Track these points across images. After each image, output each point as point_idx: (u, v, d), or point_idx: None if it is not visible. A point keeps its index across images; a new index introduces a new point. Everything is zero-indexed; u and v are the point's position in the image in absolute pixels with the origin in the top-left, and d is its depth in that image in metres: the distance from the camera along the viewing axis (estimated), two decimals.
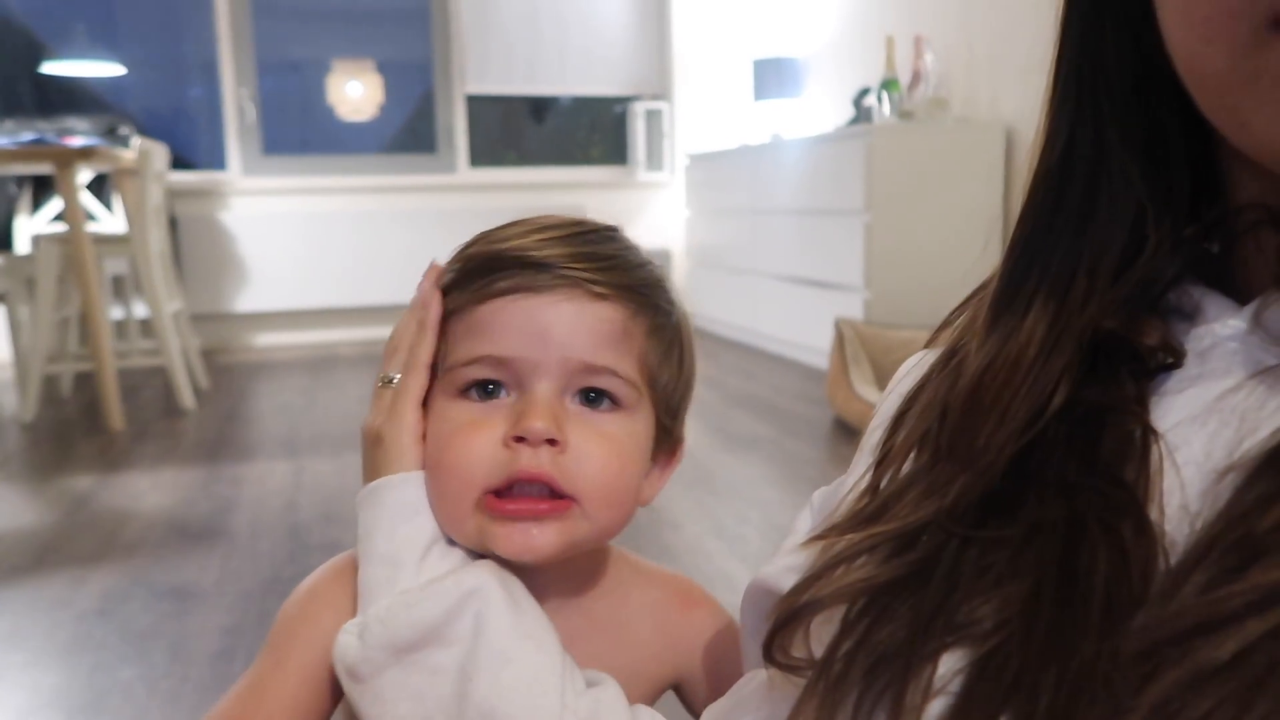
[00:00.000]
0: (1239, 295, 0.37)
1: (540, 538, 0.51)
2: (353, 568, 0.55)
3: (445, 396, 0.55)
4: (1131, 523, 0.32)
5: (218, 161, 4.63)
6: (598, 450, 0.53)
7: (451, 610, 0.49)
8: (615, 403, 0.54)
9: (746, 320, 4.21)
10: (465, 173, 4.87)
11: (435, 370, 0.56)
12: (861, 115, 3.79)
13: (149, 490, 2.33)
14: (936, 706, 0.32)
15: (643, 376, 0.56)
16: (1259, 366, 0.34)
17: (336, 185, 4.69)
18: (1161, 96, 0.39)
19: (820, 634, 0.38)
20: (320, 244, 4.58)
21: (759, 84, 4.65)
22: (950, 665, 0.32)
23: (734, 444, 2.62)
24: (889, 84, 3.59)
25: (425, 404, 0.56)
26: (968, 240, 3.35)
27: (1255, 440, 0.31)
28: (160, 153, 3.32)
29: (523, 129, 5.27)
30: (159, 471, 2.49)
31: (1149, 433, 0.35)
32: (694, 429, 2.80)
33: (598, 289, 0.54)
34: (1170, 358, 0.37)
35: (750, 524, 1.99)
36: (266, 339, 4.66)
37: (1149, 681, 0.26)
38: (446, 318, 0.56)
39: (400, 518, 0.54)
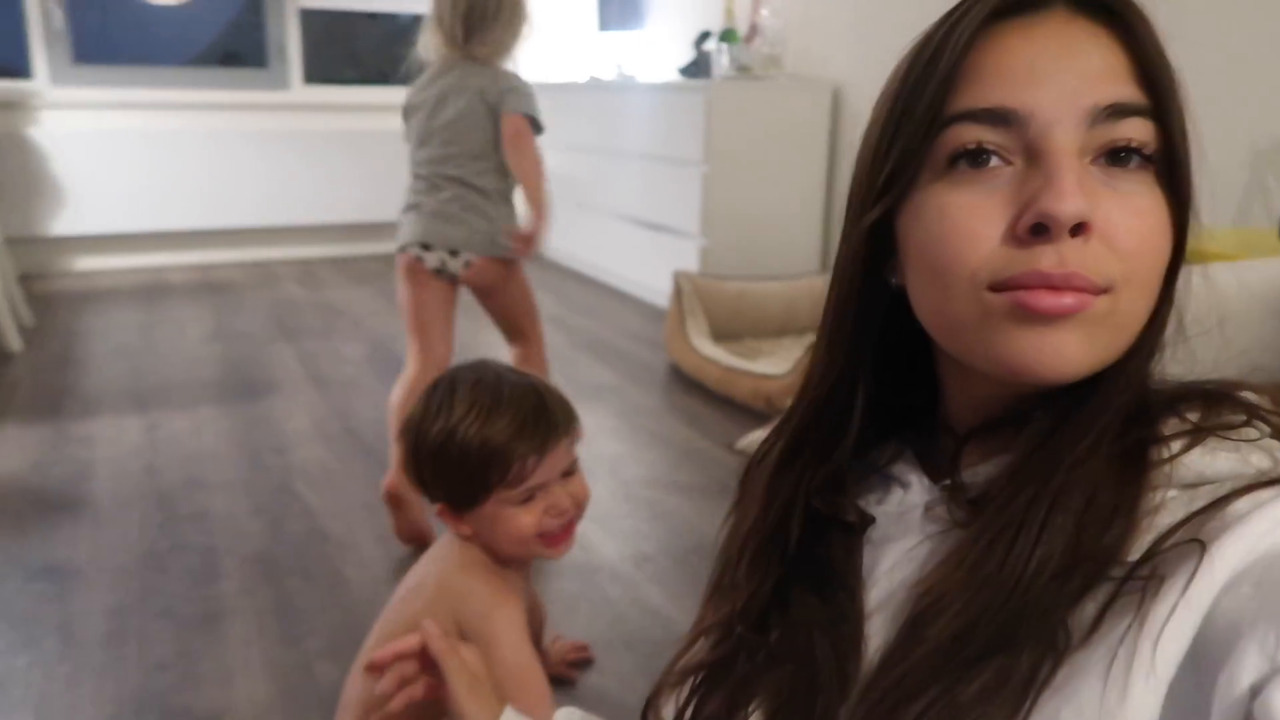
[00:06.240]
0: (941, 472, 0.57)
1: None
2: None
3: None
4: (847, 634, 0.53)
5: (21, 69, 4.27)
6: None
7: None
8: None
9: (591, 255, 4.37)
10: (300, 90, 4.71)
11: None
12: (701, 59, 3.93)
13: None
14: None
15: None
16: (929, 532, 0.54)
17: (159, 100, 4.44)
18: (901, 326, 0.56)
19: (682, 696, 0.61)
20: (144, 163, 4.36)
21: (603, 12, 4.70)
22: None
23: (581, 393, 2.82)
24: (728, 34, 3.74)
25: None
26: (796, 195, 3.62)
27: (919, 578, 0.51)
28: None
29: (359, 46, 5.10)
30: None
31: (859, 580, 0.56)
32: None
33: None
34: (869, 522, 0.57)
35: (598, 480, 2.21)
36: (88, 263, 4.43)
37: None
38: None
39: None
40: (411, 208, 1.98)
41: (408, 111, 2.01)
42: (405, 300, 1.98)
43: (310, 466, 2.26)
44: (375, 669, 0.84)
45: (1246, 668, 0.37)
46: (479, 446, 1.07)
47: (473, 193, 1.94)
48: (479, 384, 1.11)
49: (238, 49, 4.81)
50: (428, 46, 1.99)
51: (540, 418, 1.09)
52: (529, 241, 1.92)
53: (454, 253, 1.94)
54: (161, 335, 3.40)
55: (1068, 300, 0.44)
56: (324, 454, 2.33)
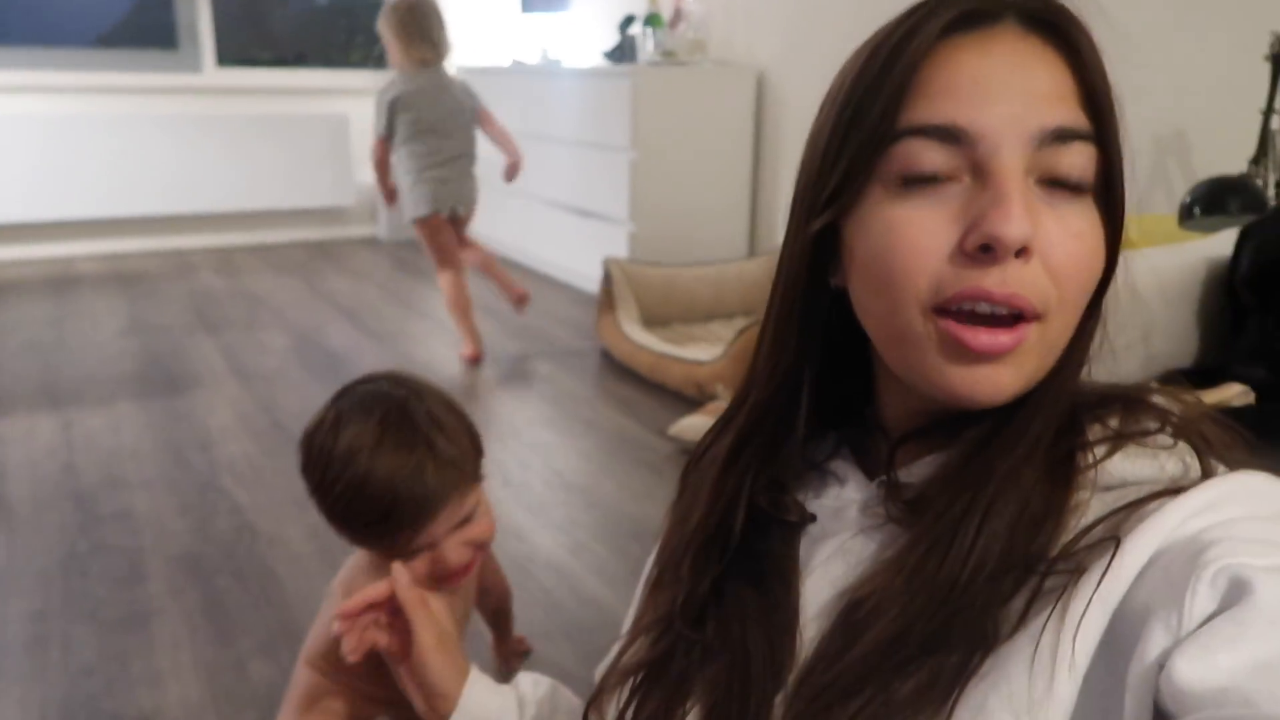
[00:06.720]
0: (875, 468, 0.58)
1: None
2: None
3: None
4: (781, 623, 0.54)
5: None
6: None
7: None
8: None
9: (519, 241, 4.35)
10: (213, 73, 4.56)
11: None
12: (626, 43, 3.93)
13: None
14: None
15: None
16: (863, 526, 0.56)
17: (62, 83, 4.26)
18: (842, 323, 0.57)
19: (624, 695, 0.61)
20: (47, 149, 4.18)
21: None
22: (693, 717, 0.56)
23: (513, 380, 2.82)
24: (653, 19, 3.75)
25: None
26: (723, 179, 3.65)
27: (856, 573, 0.53)
28: None
29: (274, 27, 4.95)
30: None
31: (795, 572, 0.57)
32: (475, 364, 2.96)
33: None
34: (810, 519, 0.59)
35: (532, 470, 2.22)
36: None
37: None
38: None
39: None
40: (429, 179, 2.86)
41: (397, 105, 2.81)
42: (434, 242, 2.94)
43: (237, 462, 2.21)
44: (344, 619, 0.78)
45: (1153, 645, 0.39)
46: (348, 519, 0.96)
47: (467, 161, 2.96)
48: (357, 438, 0.93)
49: (146, 30, 4.63)
50: (401, 57, 2.82)
51: (413, 495, 0.92)
52: (518, 169, 3.04)
53: (461, 205, 2.95)
54: (73, 329, 3.28)
55: (1004, 339, 0.46)
56: (250, 449, 2.29)
